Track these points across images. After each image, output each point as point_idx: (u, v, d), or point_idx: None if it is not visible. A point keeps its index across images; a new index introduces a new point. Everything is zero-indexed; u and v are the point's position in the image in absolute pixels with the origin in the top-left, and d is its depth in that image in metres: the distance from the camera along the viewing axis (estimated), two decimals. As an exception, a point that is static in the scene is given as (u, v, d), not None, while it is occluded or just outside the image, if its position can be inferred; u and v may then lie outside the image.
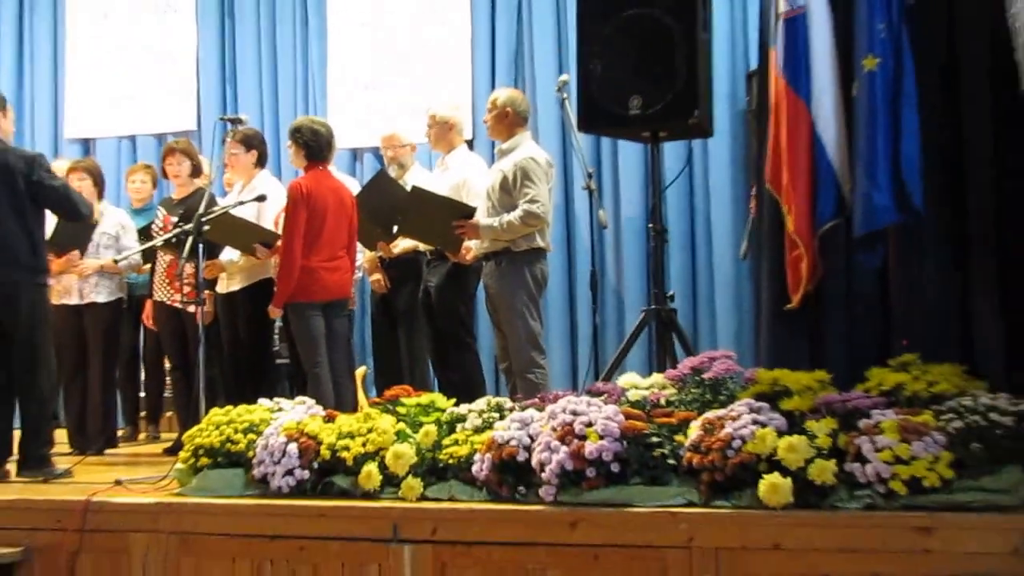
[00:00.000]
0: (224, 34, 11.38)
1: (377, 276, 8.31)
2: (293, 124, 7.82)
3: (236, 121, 7.66)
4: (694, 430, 4.93)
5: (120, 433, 9.32)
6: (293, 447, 5.50)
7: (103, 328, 8.70)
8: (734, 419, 4.84)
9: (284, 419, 5.75)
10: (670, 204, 9.31)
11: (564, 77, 6.78)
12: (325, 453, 5.47)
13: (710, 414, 4.96)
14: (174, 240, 7.38)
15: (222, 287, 8.08)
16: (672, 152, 7.83)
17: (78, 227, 8.15)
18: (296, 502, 5.39)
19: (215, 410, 6.00)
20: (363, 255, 8.46)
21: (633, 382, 5.55)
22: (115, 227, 8.82)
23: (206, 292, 7.70)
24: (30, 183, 6.85)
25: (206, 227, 6.97)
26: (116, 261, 8.47)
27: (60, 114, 11.92)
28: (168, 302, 8.41)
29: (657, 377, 5.58)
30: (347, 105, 10.68)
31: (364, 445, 5.44)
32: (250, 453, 5.64)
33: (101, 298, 8.70)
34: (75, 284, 8.67)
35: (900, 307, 5.44)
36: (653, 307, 6.50)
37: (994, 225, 5.23)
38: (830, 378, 5.05)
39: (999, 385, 4.81)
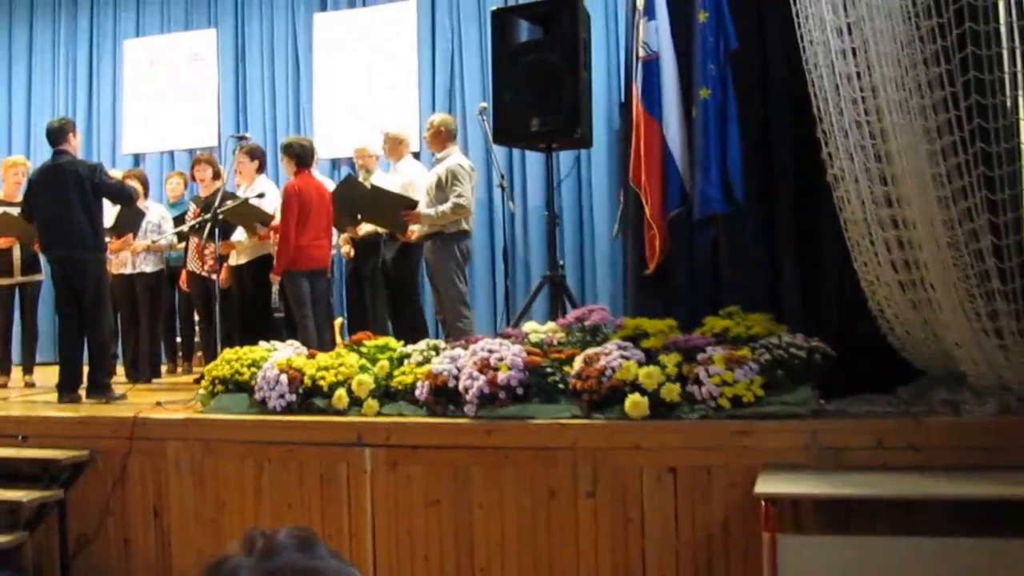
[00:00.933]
0: (238, 74, 11.21)
1: (347, 248, 8.25)
2: (284, 141, 7.86)
3: (242, 138, 7.71)
4: (578, 363, 4.94)
5: (164, 368, 9.26)
6: (284, 377, 5.43)
7: (149, 291, 8.62)
8: (607, 354, 4.85)
9: (277, 356, 5.65)
10: (565, 197, 9.38)
11: (483, 104, 6.72)
12: (307, 381, 5.43)
13: (589, 351, 4.97)
14: (197, 226, 7.37)
15: (233, 260, 7.99)
16: (566, 159, 7.83)
17: (131, 218, 8.10)
18: (285, 418, 5.37)
19: (227, 350, 5.87)
20: (338, 237, 8.32)
21: (534, 328, 5.52)
22: (157, 217, 8.75)
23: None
24: (95, 184, 6.91)
25: (220, 215, 7.03)
26: (154, 241, 8.49)
27: (118, 135, 11.69)
28: (197, 271, 8.27)
29: (551, 324, 5.54)
30: (328, 125, 10.58)
31: (336, 375, 5.38)
32: (252, 382, 5.57)
33: (148, 268, 8.62)
34: (129, 258, 8.59)
35: (727, 271, 5.52)
36: (548, 273, 6.44)
37: (793, 211, 5.29)
38: (677, 324, 5.09)
39: (796, 327, 4.88)
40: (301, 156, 7.44)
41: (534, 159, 9.11)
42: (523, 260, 9.57)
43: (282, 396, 5.41)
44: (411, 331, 7.44)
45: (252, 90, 11.08)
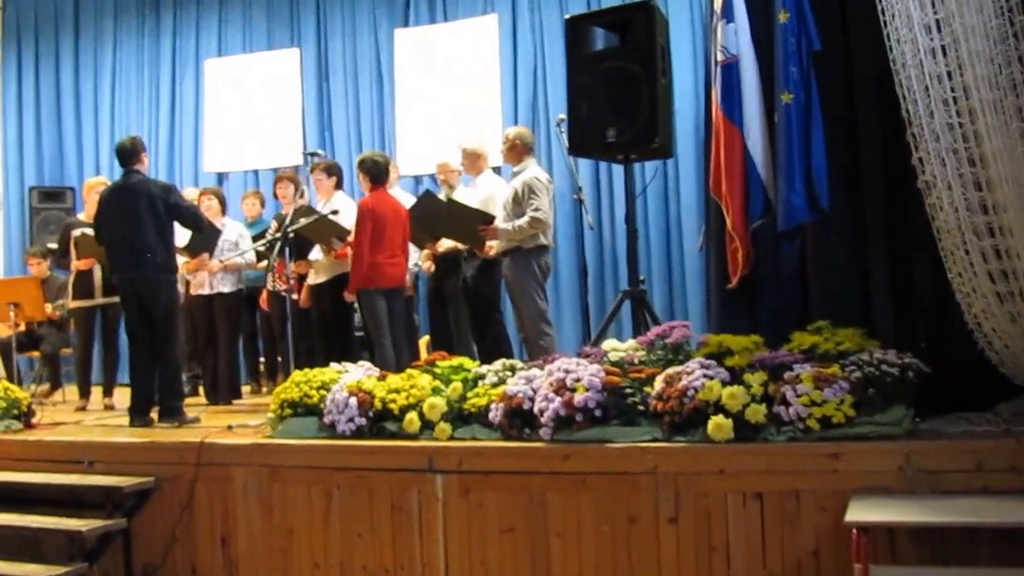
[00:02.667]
0: (321, 92, 11.42)
1: (428, 265, 8.30)
2: (359, 157, 7.92)
3: (314, 154, 7.78)
4: (658, 383, 4.87)
5: (248, 389, 9.39)
6: (353, 400, 5.46)
7: (227, 312, 8.73)
8: (689, 373, 4.78)
9: (348, 378, 5.68)
10: (650, 210, 9.36)
11: (561, 116, 6.69)
12: (377, 404, 5.44)
13: (671, 370, 4.90)
14: (269, 244, 7.58)
15: (311, 280, 8.07)
16: (651, 171, 7.80)
17: (207, 237, 8.21)
18: (355, 442, 5.39)
19: (297, 372, 5.94)
20: (419, 254, 8.41)
21: (614, 346, 5.45)
22: (235, 236, 8.87)
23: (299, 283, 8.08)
24: (168, 205, 7.03)
25: (291, 232, 7.14)
26: (221, 260, 8.55)
27: (200, 154, 11.99)
28: (277, 291, 8.38)
29: (631, 342, 5.48)
30: (411, 142, 10.71)
31: (407, 398, 5.39)
32: (321, 405, 5.60)
33: (225, 289, 8.73)
34: (206, 279, 8.72)
35: (814, 284, 5.40)
36: (628, 289, 6.40)
37: (883, 220, 5.17)
38: (762, 340, 5.00)
39: (889, 343, 4.76)
40: (375, 172, 7.51)
41: (619, 171, 9.07)
42: (609, 276, 9.55)
43: (351, 420, 5.44)
44: (494, 350, 7.48)
45: (336, 107, 11.28)
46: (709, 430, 4.56)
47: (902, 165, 4.43)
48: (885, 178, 5.12)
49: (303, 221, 7.37)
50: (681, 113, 8.79)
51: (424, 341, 8.83)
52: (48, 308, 9.18)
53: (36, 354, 9.70)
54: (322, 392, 5.67)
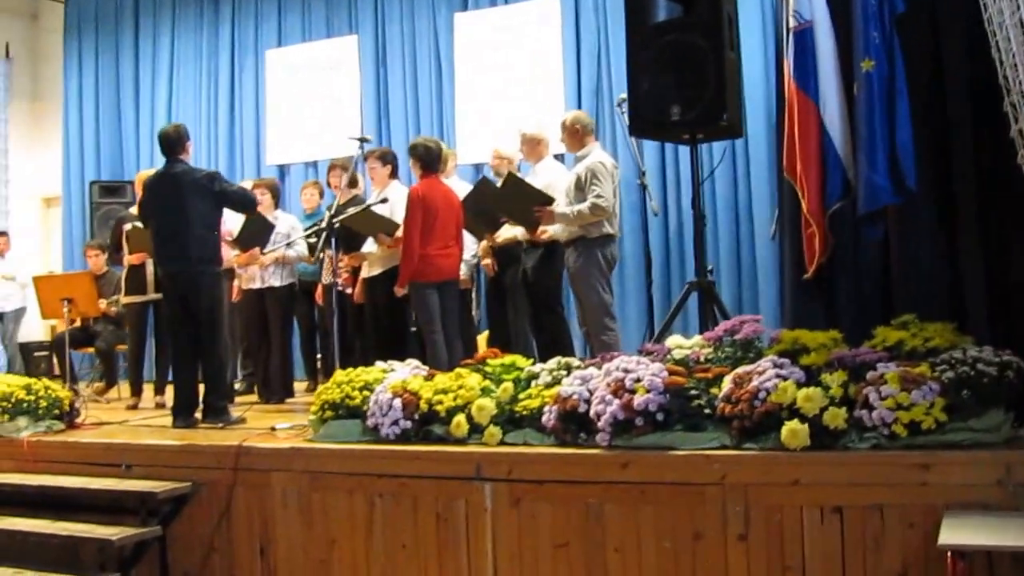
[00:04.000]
0: (379, 79, 11.09)
1: (487, 261, 7.92)
2: (411, 143, 7.53)
3: (363, 140, 7.34)
4: (726, 383, 4.44)
5: (305, 386, 9.07)
6: (397, 402, 5.09)
7: (279, 307, 8.42)
8: (760, 373, 4.33)
9: (393, 378, 5.31)
10: (719, 195, 8.87)
11: (622, 95, 6.24)
12: (423, 406, 5.05)
13: (740, 369, 4.46)
14: (314, 236, 7.24)
15: (364, 273, 7.75)
16: (719, 151, 7.33)
17: (258, 230, 7.95)
18: (399, 447, 5.02)
19: (339, 371, 5.58)
20: (476, 246, 8.03)
21: (678, 343, 5.02)
22: (288, 228, 8.55)
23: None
24: (214, 193, 6.77)
25: (336, 223, 6.79)
26: (263, 251, 8.20)
27: (262, 146, 11.75)
28: (330, 285, 8.03)
29: (697, 338, 5.04)
30: (471, 129, 10.35)
31: (455, 399, 5.00)
32: (364, 407, 5.23)
33: (277, 283, 8.41)
34: (257, 273, 8.42)
35: (899, 274, 4.90)
36: (695, 280, 5.93)
37: (976, 202, 4.68)
38: (842, 336, 4.52)
39: (984, 338, 4.31)
40: (427, 159, 7.14)
41: (685, 153, 8.59)
42: (676, 266, 9.06)
43: (396, 423, 5.06)
44: (553, 346, 7.11)
45: (394, 95, 10.95)
46: (782, 436, 4.10)
47: (997, 140, 3.94)
48: (978, 155, 4.60)
49: (350, 211, 6.99)
50: (751, 88, 8.27)
51: (483, 337, 8.41)
52: (102, 304, 8.97)
53: (91, 350, 9.47)
54: (365, 393, 5.31)
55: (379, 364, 5.66)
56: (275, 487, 5.28)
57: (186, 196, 6.65)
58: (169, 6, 12.31)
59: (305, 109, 11.35)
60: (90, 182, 11.90)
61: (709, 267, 6.08)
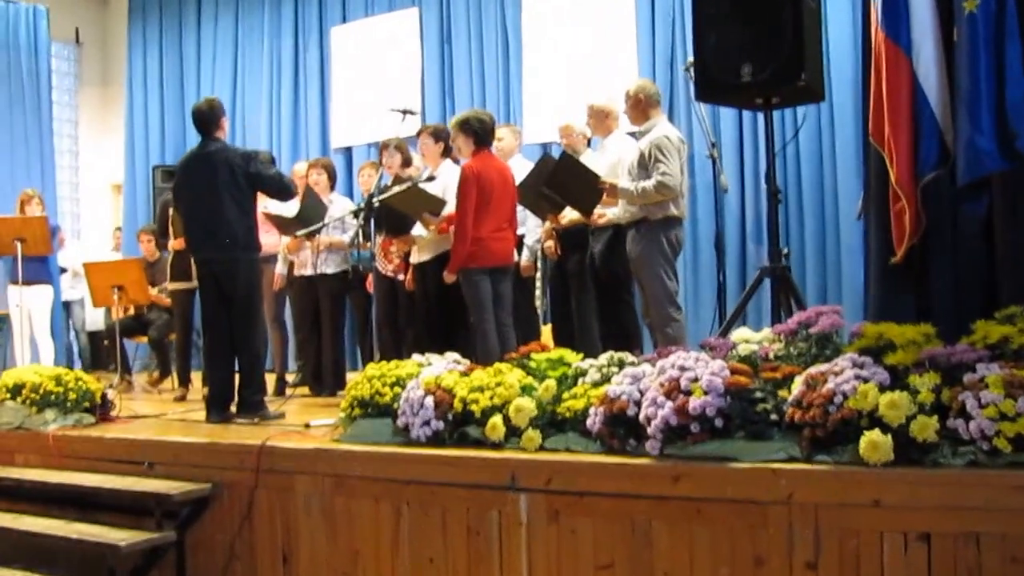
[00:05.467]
0: (443, 58, 10.62)
1: (550, 243, 7.31)
2: (460, 117, 6.93)
3: (407, 112, 6.78)
4: (797, 385, 3.80)
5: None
6: (429, 400, 4.55)
7: (331, 295, 7.97)
8: (837, 374, 3.68)
9: (427, 373, 4.75)
10: (801, 167, 8.14)
11: (691, 60, 5.59)
12: (458, 406, 4.49)
13: (814, 369, 3.81)
14: (354, 217, 6.89)
15: (415, 258, 7.27)
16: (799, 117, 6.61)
17: (314, 214, 7.45)
18: (426, 451, 4.47)
19: (371, 364, 5.06)
20: (539, 229, 7.45)
21: (744, 337, 4.39)
22: (342, 212, 8.04)
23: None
24: (248, 175, 6.29)
25: (377, 203, 6.44)
26: (296, 235, 7.68)
27: (327, 128, 11.39)
28: (382, 271, 7.58)
29: (766, 332, 4.39)
30: (539, 105, 9.81)
31: (491, 398, 4.43)
32: (395, 405, 4.70)
33: (329, 270, 7.94)
34: (309, 259, 7.96)
35: (1006, 257, 4.15)
36: (768, 265, 5.28)
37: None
38: (935, 331, 3.80)
39: None
40: (480, 132, 6.59)
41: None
42: (752, 249, 8.34)
43: (427, 423, 4.52)
44: (621, 336, 6.54)
45: (459, 71, 10.46)
46: (861, 449, 3.46)
47: None
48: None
49: (393, 190, 6.46)
50: (837, 44, 7.55)
51: (547, 329, 7.77)
52: (153, 291, 8.59)
53: (144, 339, 9.11)
54: (396, 390, 4.79)
55: (416, 358, 5.12)
56: (298, 491, 4.81)
57: (219, 178, 6.21)
58: (232, -14, 12.04)
59: (369, 88, 10.93)
60: (153, 167, 11.66)
61: (784, 250, 5.42)
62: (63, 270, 10.61)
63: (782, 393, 3.85)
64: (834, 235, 8.00)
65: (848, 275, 7.78)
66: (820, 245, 8.08)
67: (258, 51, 11.79)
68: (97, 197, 13.44)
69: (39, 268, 9.19)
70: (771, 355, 4.21)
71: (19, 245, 8.75)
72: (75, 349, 12.36)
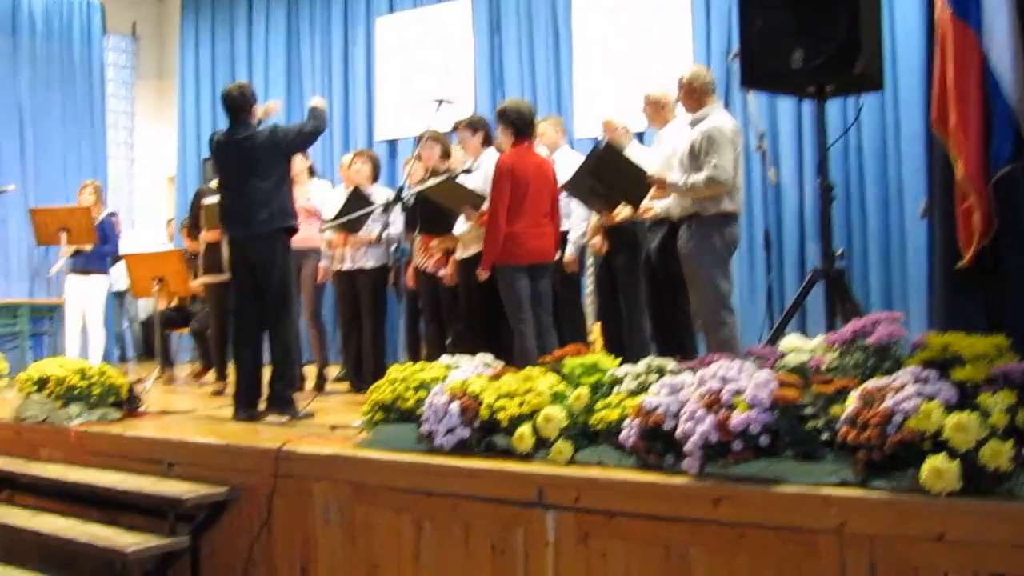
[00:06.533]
0: (493, 49, 10.18)
1: (596, 240, 6.88)
2: (500, 106, 6.54)
3: (443, 101, 6.37)
4: (852, 401, 3.33)
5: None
6: (454, 406, 4.17)
7: (371, 289, 7.58)
8: (897, 390, 3.22)
9: (454, 376, 4.37)
10: (865, 164, 7.54)
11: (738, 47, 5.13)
12: (484, 413, 4.09)
13: (871, 383, 3.34)
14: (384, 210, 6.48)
15: (459, 254, 6.89)
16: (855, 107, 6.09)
17: (358, 207, 7.05)
18: (448, 461, 4.09)
19: (395, 366, 4.67)
20: (586, 224, 7.03)
21: (795, 345, 3.91)
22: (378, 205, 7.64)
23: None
24: (280, 149, 5.98)
25: (405, 198, 6.21)
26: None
27: (373, 121, 11.03)
28: (422, 267, 7.22)
29: (820, 340, 3.92)
30: (590, 100, 9.34)
31: (520, 406, 4.03)
32: (419, 410, 4.29)
33: (369, 265, 7.57)
34: (348, 253, 7.61)
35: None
36: (821, 266, 4.83)
37: None
38: (1009, 344, 3.31)
39: None
40: (519, 123, 6.17)
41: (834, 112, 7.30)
42: (810, 248, 7.75)
43: (451, 431, 4.14)
44: (674, 338, 6.22)
45: (508, 62, 10.01)
46: (923, 476, 2.99)
47: None
48: None
49: (430, 182, 6.07)
50: (897, 26, 6.98)
51: (597, 328, 7.37)
52: (194, 283, 8.29)
53: (186, 331, 8.82)
54: (420, 394, 4.41)
55: (444, 359, 4.73)
56: (317, 498, 4.46)
57: (252, 159, 5.90)
58: (283, -22, 11.75)
59: (415, 80, 10.54)
60: (204, 159, 11.36)
61: (840, 251, 4.93)
62: (118, 259, 10.46)
63: (834, 410, 3.39)
64: (898, 235, 7.42)
65: (914, 278, 7.22)
66: (884, 245, 7.50)
67: (308, 43, 11.47)
68: (152, 189, 13.26)
69: (93, 258, 9.02)
70: (823, 366, 3.75)
71: (64, 235, 8.56)
72: (127, 338, 12.21)
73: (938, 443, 3.01)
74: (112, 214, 11.87)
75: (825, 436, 3.35)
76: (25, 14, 11.25)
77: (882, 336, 3.65)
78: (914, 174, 7.23)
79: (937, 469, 2.97)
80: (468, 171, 6.32)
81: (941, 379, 3.20)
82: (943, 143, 3.79)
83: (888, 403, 3.16)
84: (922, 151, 6.98)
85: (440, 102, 6.25)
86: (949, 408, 3.06)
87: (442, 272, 7.13)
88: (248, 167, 5.87)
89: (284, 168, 6.04)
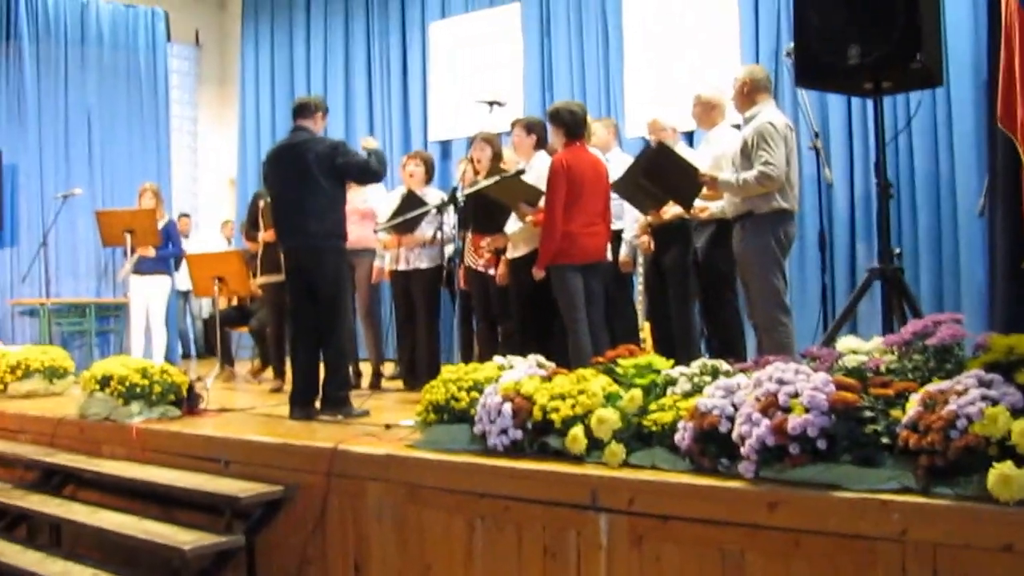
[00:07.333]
0: (543, 52, 10.05)
1: (644, 239, 6.71)
2: (551, 107, 6.42)
3: (494, 103, 6.24)
4: (912, 405, 3.16)
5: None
6: (507, 407, 4.04)
7: (425, 290, 7.48)
8: (959, 394, 3.04)
9: (507, 377, 4.25)
10: (915, 158, 7.26)
11: (792, 45, 4.95)
12: (537, 414, 3.96)
13: (932, 386, 3.16)
14: (437, 211, 6.41)
15: (509, 253, 6.73)
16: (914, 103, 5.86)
17: (411, 209, 6.99)
18: (501, 462, 3.96)
19: (447, 367, 4.57)
20: (635, 224, 6.86)
21: (852, 347, 3.73)
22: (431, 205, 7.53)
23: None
24: (336, 166, 5.85)
25: (462, 197, 6.10)
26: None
27: (428, 122, 10.96)
28: (474, 267, 7.08)
29: (878, 341, 3.74)
30: (640, 100, 9.15)
31: (573, 407, 3.89)
32: (472, 411, 4.19)
33: (423, 265, 7.47)
34: (403, 254, 7.52)
35: None
36: (878, 266, 4.63)
37: None
38: (1077, 346, 3.11)
39: None
40: (571, 123, 6.03)
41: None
42: (863, 247, 7.52)
43: (504, 431, 4.02)
44: (724, 338, 6.11)
45: (558, 65, 9.85)
46: (989, 483, 2.82)
47: None
48: None
49: (489, 181, 5.97)
50: (953, 22, 6.65)
51: (647, 328, 7.14)
52: (254, 283, 8.26)
53: (246, 329, 8.80)
54: (473, 394, 4.28)
55: (497, 360, 4.61)
56: (370, 498, 4.36)
57: (307, 167, 5.80)
58: (340, -16, 11.73)
59: (467, 82, 10.42)
60: (263, 162, 11.37)
61: (896, 250, 4.73)
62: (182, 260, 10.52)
63: (894, 413, 3.22)
64: (951, 233, 7.13)
65: (967, 278, 6.94)
66: (936, 244, 7.22)
67: (364, 48, 11.43)
68: (215, 191, 13.33)
69: (157, 259, 9.06)
70: (882, 368, 3.57)
71: (128, 237, 8.59)
72: (191, 336, 12.27)
73: (1005, 449, 2.84)
74: (184, 215, 12.01)
75: (885, 440, 3.17)
76: (93, 24, 11.36)
77: (944, 337, 3.47)
78: (967, 171, 6.95)
79: (1005, 476, 2.79)
80: (521, 172, 6.18)
81: (1007, 383, 3.01)
82: (1009, 138, 3.61)
83: (951, 407, 2.99)
84: (976, 148, 6.75)
85: (492, 104, 6.12)
86: (1015, 413, 2.88)
87: (492, 272, 7.01)
88: (303, 173, 5.79)
89: (340, 186, 5.98)
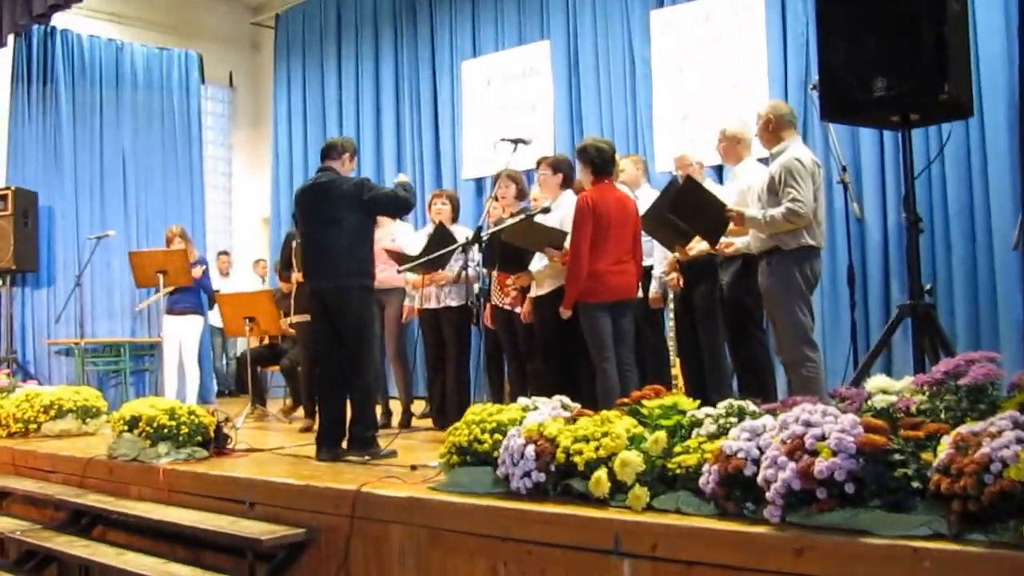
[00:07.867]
0: (571, 86, 9.96)
1: (673, 275, 6.66)
2: (580, 145, 6.37)
3: (518, 142, 6.14)
4: (944, 447, 3.04)
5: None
6: (530, 449, 3.96)
7: (455, 328, 7.42)
8: (993, 436, 2.93)
9: (531, 419, 4.17)
10: (949, 193, 7.03)
11: (818, 79, 4.88)
12: (560, 456, 3.87)
13: (965, 428, 3.06)
14: (462, 249, 6.20)
15: (534, 291, 6.68)
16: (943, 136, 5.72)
17: (441, 246, 6.86)
18: (524, 506, 3.87)
19: (472, 408, 4.48)
20: (664, 261, 6.79)
21: (882, 386, 3.61)
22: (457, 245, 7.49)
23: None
24: (363, 202, 5.84)
25: (485, 237, 5.92)
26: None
27: (460, 160, 10.86)
28: (500, 305, 7.06)
29: (908, 381, 3.61)
30: (669, 136, 9.04)
31: (596, 450, 3.79)
32: (495, 453, 4.11)
33: (453, 303, 7.42)
34: (433, 292, 7.48)
35: None
36: (908, 302, 4.51)
37: None
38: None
39: None
40: (598, 161, 5.99)
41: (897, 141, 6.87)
42: (896, 283, 7.26)
43: (528, 474, 3.93)
44: (753, 374, 6.04)
45: (587, 101, 9.77)
46: (1027, 530, 2.70)
47: None
48: None
49: (507, 222, 5.91)
50: (985, 51, 6.53)
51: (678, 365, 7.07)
52: (285, 322, 8.25)
53: (276, 368, 8.78)
54: (496, 436, 4.20)
55: (521, 401, 4.53)
56: (393, 541, 4.28)
57: (334, 206, 5.81)
58: (371, 26, 11.69)
59: (499, 119, 10.39)
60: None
61: (927, 286, 4.61)
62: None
63: (925, 456, 3.11)
64: (987, 268, 6.87)
65: (1005, 311, 6.69)
66: (971, 276, 6.95)
67: (394, 88, 11.44)
68: (249, 230, 13.39)
69: (190, 299, 9.12)
70: (913, 409, 3.46)
71: (161, 277, 8.63)
72: (225, 374, 12.29)
73: (1042, 495, 2.73)
74: (223, 252, 12.07)
75: (915, 484, 3.05)
76: (128, 66, 11.50)
77: (977, 376, 3.35)
78: (1003, 201, 6.70)
79: (1043, 523, 2.68)
80: (547, 210, 6.13)
81: (1043, 424, 2.91)
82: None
83: (985, 450, 2.87)
84: (1009, 178, 6.57)
85: (516, 142, 6.06)
86: (1054, 456, 2.78)
87: (518, 310, 6.94)
88: (329, 213, 5.79)
89: (367, 225, 5.97)
